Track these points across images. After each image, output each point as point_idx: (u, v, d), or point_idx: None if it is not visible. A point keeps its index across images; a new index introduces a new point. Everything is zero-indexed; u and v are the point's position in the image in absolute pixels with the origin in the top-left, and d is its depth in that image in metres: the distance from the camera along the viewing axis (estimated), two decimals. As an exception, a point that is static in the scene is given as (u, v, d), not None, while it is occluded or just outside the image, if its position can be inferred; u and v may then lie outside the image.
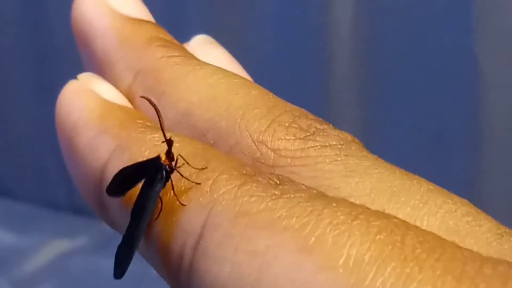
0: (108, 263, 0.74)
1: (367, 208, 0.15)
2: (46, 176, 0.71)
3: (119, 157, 0.18)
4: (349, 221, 0.14)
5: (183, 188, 0.16)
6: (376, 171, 0.17)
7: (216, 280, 0.15)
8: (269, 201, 0.15)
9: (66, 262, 0.65)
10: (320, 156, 0.17)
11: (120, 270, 0.18)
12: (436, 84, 0.58)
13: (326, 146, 0.17)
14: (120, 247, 0.18)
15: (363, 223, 0.14)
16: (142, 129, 0.18)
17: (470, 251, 0.14)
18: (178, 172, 0.17)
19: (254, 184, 0.16)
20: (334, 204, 0.15)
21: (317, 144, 0.17)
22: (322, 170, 0.17)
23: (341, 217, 0.14)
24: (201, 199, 0.16)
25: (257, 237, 0.14)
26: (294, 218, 0.14)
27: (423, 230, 0.14)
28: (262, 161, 0.17)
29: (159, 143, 0.18)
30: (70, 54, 0.64)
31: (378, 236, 0.14)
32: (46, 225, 0.69)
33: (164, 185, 0.17)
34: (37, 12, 0.65)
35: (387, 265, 0.13)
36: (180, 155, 0.17)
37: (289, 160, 0.17)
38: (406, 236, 0.14)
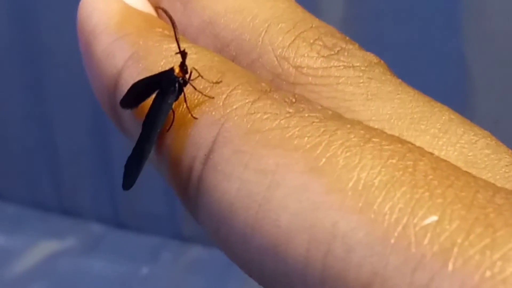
0: (97, 264, 0.73)
1: (382, 132, 0.14)
2: (35, 177, 0.70)
3: (134, 65, 0.17)
4: (362, 144, 0.14)
5: (196, 101, 0.16)
6: (398, 96, 0.16)
7: (224, 196, 0.15)
8: (282, 119, 0.15)
9: (55, 263, 0.65)
10: (342, 77, 0.17)
11: (128, 181, 0.17)
12: (424, 85, 0.58)
13: (349, 67, 0.17)
14: (130, 158, 0.17)
15: (375, 146, 0.14)
16: (160, 38, 0.18)
17: (484, 180, 0.13)
18: (192, 85, 0.16)
19: (269, 101, 0.15)
20: (348, 126, 0.14)
21: (340, 64, 0.17)
22: (342, 91, 0.17)
23: (354, 139, 0.14)
24: (213, 113, 0.15)
25: (267, 155, 0.14)
26: (306, 138, 0.14)
27: (437, 157, 0.14)
28: (283, 77, 0.17)
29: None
30: (60, 54, 0.64)
31: (390, 161, 0.13)
32: (34, 226, 0.68)
33: (177, 98, 0.16)
34: (25, 13, 0.64)
35: (397, 190, 0.13)
36: (194, 67, 0.16)
37: (310, 78, 0.17)
38: (419, 162, 0.13)
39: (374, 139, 0.14)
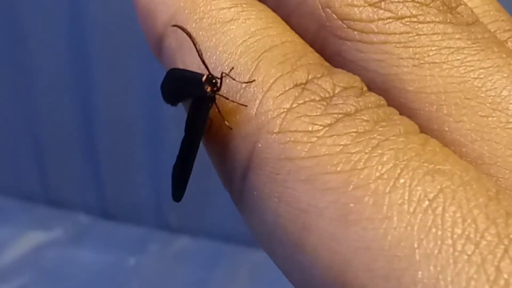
0: (84, 255, 0.73)
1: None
2: (21, 168, 0.70)
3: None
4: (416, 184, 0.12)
5: (230, 107, 0.14)
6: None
7: (263, 223, 0.13)
8: (314, 140, 0.13)
9: (41, 254, 0.65)
10: (390, 34, 0.14)
11: (177, 193, 0.16)
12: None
13: (398, 18, 0.14)
14: (175, 166, 0.16)
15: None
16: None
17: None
18: (222, 96, 0.14)
19: (302, 109, 0.13)
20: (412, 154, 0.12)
21: (389, 15, 0.14)
22: (389, 53, 0.14)
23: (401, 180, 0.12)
24: (247, 125, 0.14)
25: (299, 191, 0.13)
26: (337, 173, 0.12)
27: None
28: (330, 30, 0.15)
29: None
30: (45, 42, 0.64)
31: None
32: (20, 217, 0.68)
33: (210, 107, 0.15)
34: (9, 3, 0.64)
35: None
36: (224, 73, 0.14)
37: (356, 34, 0.14)
38: None
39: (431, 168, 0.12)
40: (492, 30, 0.15)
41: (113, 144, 0.66)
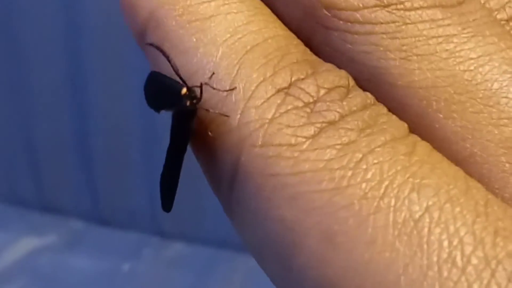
0: (78, 261, 0.72)
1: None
2: (15, 173, 0.70)
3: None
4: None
5: (214, 116, 0.14)
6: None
7: (252, 238, 0.13)
8: (297, 155, 0.12)
9: (36, 260, 0.65)
10: (376, 24, 0.13)
11: (166, 203, 0.16)
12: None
13: (384, 6, 0.13)
14: (162, 175, 0.16)
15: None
16: None
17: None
18: (202, 108, 0.14)
19: (284, 119, 0.13)
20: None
21: (375, 3, 0.13)
22: (375, 45, 0.13)
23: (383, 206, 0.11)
24: (229, 136, 0.13)
25: (285, 208, 0.12)
26: (320, 193, 0.12)
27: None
28: (315, 18, 0.14)
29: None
30: (40, 49, 0.63)
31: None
32: (14, 223, 0.68)
33: (192, 118, 0.14)
34: (5, 9, 0.64)
35: None
36: (203, 83, 0.14)
37: (341, 23, 0.13)
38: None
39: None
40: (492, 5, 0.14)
41: (107, 150, 0.66)
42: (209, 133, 0.14)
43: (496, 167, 0.13)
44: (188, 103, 0.14)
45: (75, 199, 0.68)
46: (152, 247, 0.65)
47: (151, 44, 0.15)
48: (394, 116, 0.13)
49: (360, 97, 0.13)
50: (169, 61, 0.14)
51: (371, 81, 0.14)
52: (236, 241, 0.63)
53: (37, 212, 0.69)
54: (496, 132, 0.13)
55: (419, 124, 0.13)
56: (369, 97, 0.13)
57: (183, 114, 0.14)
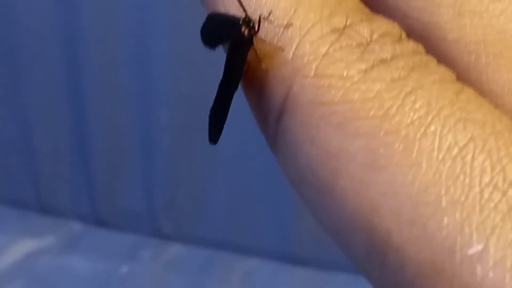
0: (76, 263, 0.72)
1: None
2: (13, 175, 0.70)
3: None
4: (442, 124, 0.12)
5: (268, 50, 0.14)
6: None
7: (295, 168, 0.13)
8: (348, 85, 0.13)
9: (34, 261, 0.65)
10: None
11: (214, 135, 0.16)
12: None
13: None
14: (212, 108, 0.16)
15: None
16: None
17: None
18: (259, 38, 0.14)
19: (338, 54, 0.13)
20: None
21: None
22: (429, 1, 0.14)
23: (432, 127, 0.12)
24: (283, 69, 0.14)
25: (330, 136, 0.13)
26: (368, 120, 0.12)
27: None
28: None
29: None
30: (38, 50, 0.64)
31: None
32: (12, 224, 0.68)
33: (248, 50, 0.15)
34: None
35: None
36: (262, 16, 0.14)
37: None
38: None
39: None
40: None
41: (105, 151, 0.66)
42: (262, 66, 0.14)
43: None
44: (246, 32, 0.15)
45: (73, 201, 0.69)
46: (150, 248, 0.66)
47: None
48: (443, 65, 0.14)
49: (412, 44, 0.14)
50: None
51: (423, 37, 0.14)
52: (234, 242, 0.63)
53: (35, 214, 0.69)
54: None
55: (466, 77, 0.14)
56: (420, 47, 0.14)
57: (239, 45, 0.15)
